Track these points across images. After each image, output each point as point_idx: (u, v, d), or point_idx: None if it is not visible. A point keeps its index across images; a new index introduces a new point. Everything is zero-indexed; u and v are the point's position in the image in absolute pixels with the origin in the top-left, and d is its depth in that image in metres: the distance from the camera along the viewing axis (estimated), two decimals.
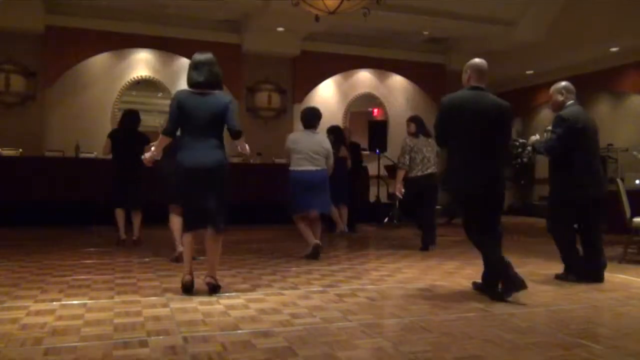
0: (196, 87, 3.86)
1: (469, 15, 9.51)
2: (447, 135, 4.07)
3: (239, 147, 4.04)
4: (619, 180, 5.98)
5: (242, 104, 10.47)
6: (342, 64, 11.36)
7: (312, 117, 5.70)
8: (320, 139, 5.69)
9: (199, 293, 3.90)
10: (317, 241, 5.59)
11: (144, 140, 6.04)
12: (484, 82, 4.12)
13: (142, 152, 4.72)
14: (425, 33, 10.82)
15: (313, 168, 5.51)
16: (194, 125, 3.81)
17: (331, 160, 5.74)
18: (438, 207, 11.02)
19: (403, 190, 6.32)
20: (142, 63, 10.13)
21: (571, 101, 4.63)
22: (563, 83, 4.71)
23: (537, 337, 2.98)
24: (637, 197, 6.54)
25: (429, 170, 6.39)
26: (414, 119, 6.70)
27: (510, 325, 3.20)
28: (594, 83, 10.46)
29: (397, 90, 12.05)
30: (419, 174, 6.35)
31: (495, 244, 3.94)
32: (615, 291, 4.28)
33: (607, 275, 4.95)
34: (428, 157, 6.40)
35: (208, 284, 3.86)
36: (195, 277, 3.90)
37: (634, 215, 5.66)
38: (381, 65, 11.70)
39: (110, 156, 6.33)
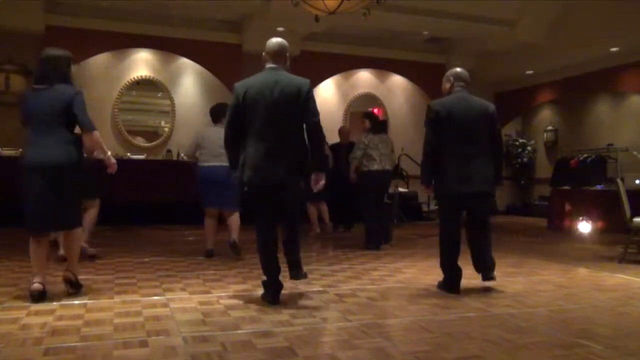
0: (35, 82, 3.76)
1: (469, 15, 9.49)
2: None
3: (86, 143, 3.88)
4: (619, 180, 5.98)
5: None
6: (342, 64, 11.34)
7: (218, 112, 5.72)
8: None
9: (196, 292, 3.90)
10: (211, 247, 5.65)
11: None
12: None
13: None
14: (425, 33, 10.80)
15: (217, 164, 5.46)
16: (37, 120, 3.67)
17: None
18: (437, 207, 11.07)
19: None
20: (142, 63, 10.12)
21: (458, 88, 4.24)
22: (455, 69, 4.35)
23: (537, 337, 2.99)
24: (637, 197, 6.54)
25: (387, 167, 6.50)
26: (368, 116, 6.78)
27: (510, 325, 3.21)
28: (594, 83, 10.46)
29: (397, 90, 12.04)
30: (378, 168, 6.42)
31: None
32: (615, 291, 4.28)
33: (607, 275, 4.97)
34: (384, 153, 6.49)
35: (66, 278, 3.80)
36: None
37: (634, 215, 5.66)
38: (381, 65, 11.68)
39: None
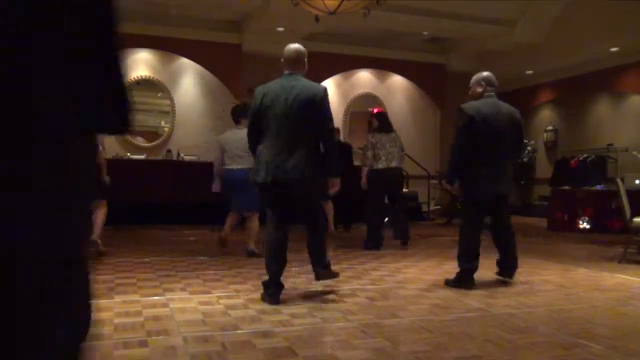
0: None
1: (469, 15, 9.50)
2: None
3: None
4: (619, 180, 5.98)
5: None
6: (342, 64, 11.35)
7: (237, 113, 5.76)
8: (244, 134, 5.61)
9: (196, 292, 3.90)
10: (225, 237, 5.75)
11: None
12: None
13: None
14: (425, 33, 10.81)
15: (235, 167, 5.51)
16: None
17: None
18: (437, 207, 11.07)
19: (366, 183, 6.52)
20: (142, 63, 10.12)
21: (490, 93, 4.34)
22: (484, 74, 4.43)
23: (537, 337, 2.99)
24: (637, 197, 6.54)
25: (393, 164, 6.49)
26: (375, 116, 6.85)
27: (510, 325, 3.21)
28: (594, 83, 10.47)
29: (397, 90, 12.04)
30: (382, 166, 6.42)
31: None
32: (615, 291, 4.28)
33: (607, 275, 4.97)
34: (391, 152, 6.50)
35: None
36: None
37: (634, 215, 5.65)
38: (381, 65, 11.69)
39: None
